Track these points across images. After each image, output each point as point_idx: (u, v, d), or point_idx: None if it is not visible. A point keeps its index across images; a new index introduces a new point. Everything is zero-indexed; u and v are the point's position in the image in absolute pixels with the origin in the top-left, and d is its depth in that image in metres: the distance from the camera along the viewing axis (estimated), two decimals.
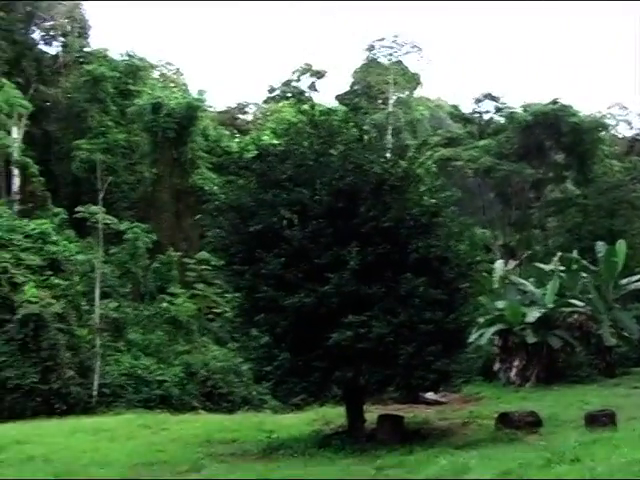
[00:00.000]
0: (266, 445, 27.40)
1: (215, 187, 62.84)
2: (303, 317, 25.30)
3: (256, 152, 30.26)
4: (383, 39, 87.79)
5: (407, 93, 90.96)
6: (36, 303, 46.71)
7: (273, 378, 27.83)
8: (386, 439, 25.91)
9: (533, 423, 26.03)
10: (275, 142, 35.64)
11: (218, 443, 28.72)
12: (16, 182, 68.65)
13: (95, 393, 47.38)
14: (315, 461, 23.98)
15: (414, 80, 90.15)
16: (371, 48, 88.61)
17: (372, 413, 28.64)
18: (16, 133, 69.49)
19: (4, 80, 69.36)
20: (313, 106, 32.19)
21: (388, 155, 29.63)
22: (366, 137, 29.19)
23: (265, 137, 62.54)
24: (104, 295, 53.70)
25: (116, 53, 78.77)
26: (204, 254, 58.08)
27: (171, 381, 50.25)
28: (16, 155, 67.81)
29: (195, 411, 45.01)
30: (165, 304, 57.83)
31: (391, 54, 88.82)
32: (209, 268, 57.58)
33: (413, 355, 24.89)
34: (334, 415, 30.99)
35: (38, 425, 36.76)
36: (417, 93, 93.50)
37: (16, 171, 68.75)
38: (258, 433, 30.01)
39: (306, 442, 27.18)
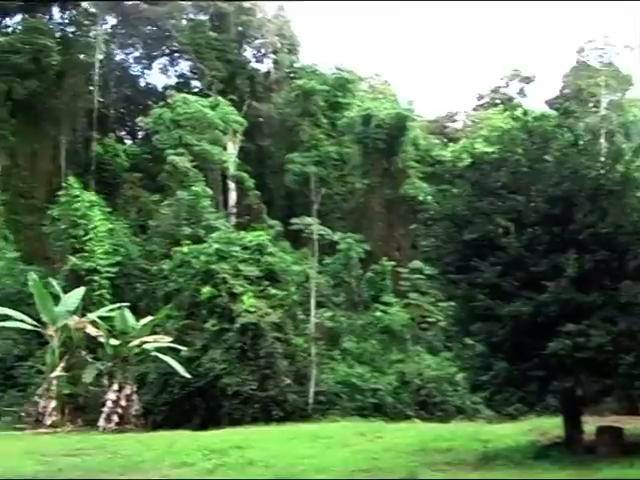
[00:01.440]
0: (482, 455, 27.15)
1: (428, 196, 62.76)
2: (520, 326, 24.96)
3: (469, 160, 30.07)
4: (593, 40, 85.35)
5: (619, 95, 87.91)
6: (254, 313, 47.96)
7: (489, 387, 27.60)
8: (605, 451, 25.20)
9: None
10: (488, 150, 35.32)
11: (433, 452, 28.63)
12: (233, 196, 71.04)
13: (311, 401, 48.23)
14: (532, 472, 23.61)
15: (626, 81, 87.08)
16: (581, 50, 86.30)
17: (589, 424, 27.84)
18: (232, 148, 71.87)
19: (219, 98, 72.02)
20: (525, 112, 31.73)
21: (603, 159, 28.78)
22: (581, 142, 28.48)
23: (478, 145, 61.86)
24: (319, 305, 54.61)
25: (325, 67, 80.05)
26: (417, 263, 57.98)
27: (385, 389, 50.45)
28: (232, 170, 70.15)
29: (409, 420, 45.02)
30: (379, 313, 58.04)
31: (602, 55, 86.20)
32: (422, 277, 57.46)
33: (633, 365, 24.10)
34: (550, 426, 30.34)
35: (257, 431, 37.81)
36: (630, 94, 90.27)
37: (232, 185, 71.17)
38: (473, 442, 29.76)
39: (522, 453, 26.78)
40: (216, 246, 52.51)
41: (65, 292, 48.20)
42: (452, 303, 29.99)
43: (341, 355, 54.55)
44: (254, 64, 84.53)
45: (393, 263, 61.52)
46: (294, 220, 61.93)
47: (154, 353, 46.96)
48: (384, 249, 65.32)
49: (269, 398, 46.52)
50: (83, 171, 68.21)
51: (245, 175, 70.84)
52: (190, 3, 77.88)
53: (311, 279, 53.62)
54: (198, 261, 52.71)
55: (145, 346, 47.00)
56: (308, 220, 59.99)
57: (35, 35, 65.50)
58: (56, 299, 47.36)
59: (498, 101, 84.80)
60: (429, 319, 58.52)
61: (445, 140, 78.19)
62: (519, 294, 24.92)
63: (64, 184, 60.25)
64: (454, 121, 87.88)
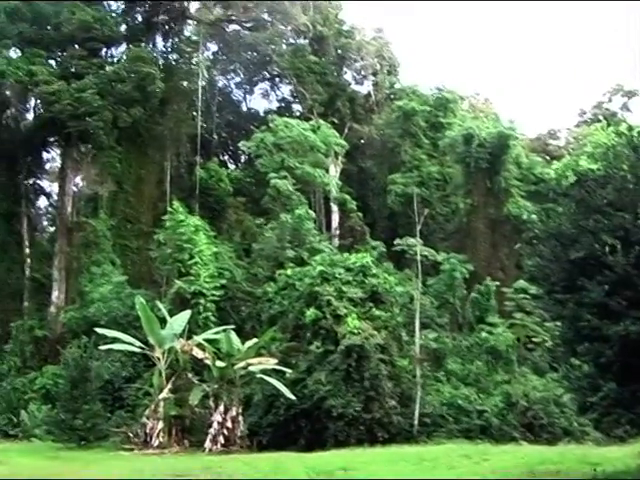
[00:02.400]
0: (591, 478, 26.58)
1: (532, 215, 62.04)
2: (629, 346, 24.42)
3: (574, 178, 29.62)
4: None
5: None
6: (358, 334, 47.86)
7: (597, 409, 27.04)
8: None
9: None
10: (592, 167, 34.74)
11: (541, 475, 28.14)
12: (336, 218, 71.44)
13: (416, 422, 47.84)
14: None
15: None
16: None
17: None
18: (334, 171, 72.32)
19: (320, 121, 72.51)
20: (630, 127, 31.14)
21: None
22: None
23: (582, 162, 60.91)
24: (423, 326, 54.30)
25: (425, 87, 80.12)
26: (522, 283, 57.22)
27: (491, 411, 49.76)
28: (335, 192, 70.50)
29: (515, 442, 44.31)
30: (484, 334, 57.44)
31: None
32: (527, 297, 56.60)
33: None
34: None
35: (362, 453, 37.80)
36: None
37: (335, 207, 71.59)
38: (582, 466, 29.12)
39: (632, 476, 26.19)
40: (320, 268, 52.67)
41: (171, 315, 48.96)
42: (558, 323, 29.51)
43: (446, 376, 54.08)
44: (354, 86, 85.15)
45: (497, 283, 60.89)
46: (397, 241, 61.95)
47: (259, 375, 47.25)
48: (488, 269, 64.68)
49: (374, 420, 46.29)
50: (188, 195, 69.39)
51: (347, 197, 71.17)
52: (290, 28, 78.56)
53: (415, 300, 53.32)
54: (302, 283, 52.97)
55: (250, 368, 47.34)
56: (411, 241, 59.84)
57: (139, 64, 66.99)
58: (163, 322, 48.13)
59: (601, 117, 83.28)
60: (535, 339, 57.63)
61: (547, 158, 77.28)
62: (627, 313, 24.39)
63: (169, 209, 61.32)
64: (556, 138, 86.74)
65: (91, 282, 61.89)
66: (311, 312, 49.82)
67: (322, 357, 48.29)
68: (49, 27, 68.11)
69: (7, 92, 68.61)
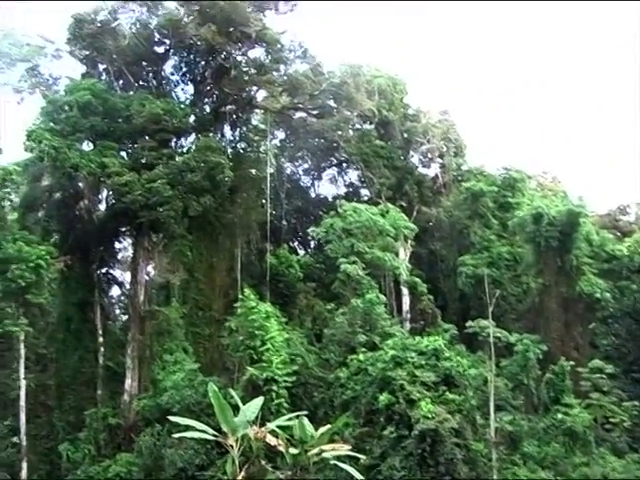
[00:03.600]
0: None
1: (605, 293, 61.23)
2: None
3: None
4: None
5: None
6: (432, 419, 47.49)
7: None
8: None
9: None
10: None
11: None
12: (406, 301, 71.39)
13: None
14: None
15: None
16: None
17: None
18: (403, 254, 72.46)
19: (389, 205, 72.85)
20: None
21: None
22: None
23: None
24: (497, 408, 53.68)
25: (492, 167, 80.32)
26: (597, 362, 56.34)
27: None
28: (405, 275, 70.43)
29: None
30: (560, 415, 56.45)
31: None
32: (603, 376, 55.75)
33: None
34: None
35: None
36: None
37: (406, 290, 71.56)
38: None
39: None
40: (392, 352, 52.53)
41: (244, 402, 48.84)
42: (637, 402, 28.97)
43: (522, 459, 53.26)
44: (421, 169, 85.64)
45: (572, 363, 59.99)
46: (469, 323, 61.47)
47: (333, 461, 46.80)
48: (562, 349, 63.76)
49: None
50: (258, 282, 69.83)
51: (418, 280, 71.05)
52: (355, 114, 79.41)
53: (489, 382, 52.84)
54: (374, 368, 52.85)
55: (324, 455, 46.89)
56: (483, 323, 59.41)
57: (208, 153, 67.95)
58: (235, 409, 48.03)
59: None
60: (613, 420, 56.46)
61: (619, 234, 76.39)
62: None
63: (241, 296, 61.71)
64: (626, 214, 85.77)
65: (164, 370, 62.19)
66: (384, 397, 49.61)
67: (396, 442, 47.95)
68: (120, 120, 69.56)
69: (80, 184, 70.36)
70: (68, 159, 64.86)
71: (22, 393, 62.57)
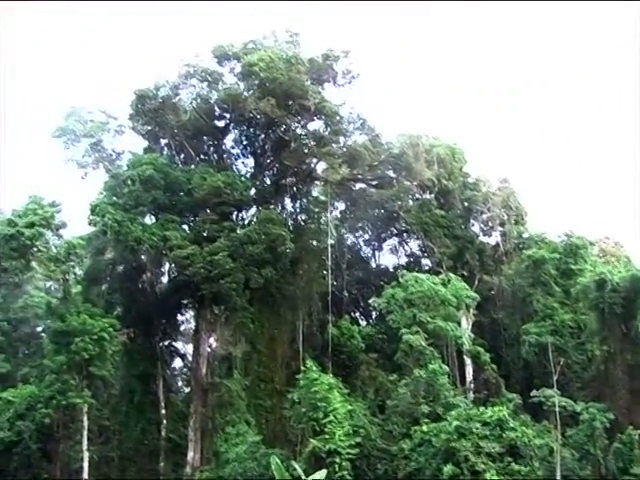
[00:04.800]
0: None
1: None
2: None
3: None
4: None
5: None
6: None
7: None
8: None
9: None
10: None
11: None
12: (469, 371, 70.63)
13: None
14: None
15: None
16: None
17: None
18: (465, 323, 71.97)
19: (450, 274, 72.46)
20: None
21: None
22: None
23: None
24: (564, 479, 52.60)
25: (554, 234, 79.60)
26: None
27: None
28: (467, 345, 69.81)
29: None
30: None
31: None
32: None
33: None
34: None
35: None
36: None
37: (468, 360, 70.82)
38: None
39: None
40: (456, 423, 51.99)
41: (307, 474, 48.48)
42: None
43: None
44: (482, 238, 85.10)
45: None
46: (534, 393, 60.51)
47: None
48: (629, 417, 62.32)
49: None
50: (320, 353, 69.82)
51: (480, 349, 70.29)
52: (415, 184, 79.61)
53: (555, 453, 51.92)
54: (438, 439, 52.30)
55: None
56: (548, 392, 58.62)
57: (269, 225, 68.57)
58: None
59: None
60: None
61: None
62: None
63: (302, 367, 61.63)
64: None
65: (226, 442, 62.17)
66: (448, 468, 49.05)
67: None
68: (181, 193, 70.78)
69: (143, 257, 71.34)
70: (131, 232, 65.98)
71: (85, 465, 63.18)
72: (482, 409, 55.53)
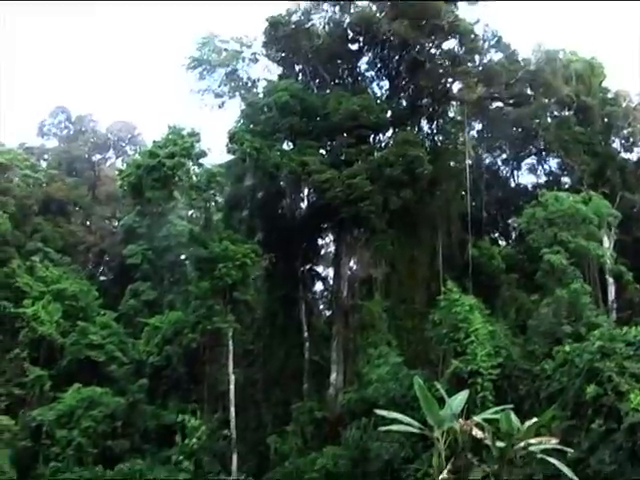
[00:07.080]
0: None
1: None
2: None
3: None
4: None
5: None
6: None
7: None
8: None
9: None
10: None
11: None
12: (612, 290, 69.48)
13: None
14: None
15: None
16: None
17: None
18: (607, 242, 70.63)
19: (591, 192, 70.98)
20: None
21: None
22: None
23: None
24: None
25: None
26: None
27: None
28: (609, 264, 68.63)
29: None
30: None
31: None
32: None
33: None
34: None
35: None
36: None
37: (611, 280, 69.64)
38: None
39: None
40: (599, 343, 51.25)
41: (449, 395, 48.80)
42: None
43: None
44: (623, 154, 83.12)
45: None
46: None
47: (540, 455, 46.12)
48: None
49: None
50: (460, 274, 69.54)
51: (623, 268, 69.06)
52: (553, 101, 77.97)
53: None
54: (581, 360, 51.68)
55: (530, 448, 46.29)
56: None
57: (406, 147, 68.20)
58: (441, 402, 48.09)
59: None
60: None
61: None
62: None
63: (443, 288, 61.77)
64: None
65: (368, 363, 62.91)
66: (592, 389, 48.50)
67: (604, 436, 46.77)
68: (318, 118, 71.05)
69: (282, 183, 72.34)
70: (269, 159, 66.88)
71: (231, 387, 65.07)
72: (625, 329, 54.41)
